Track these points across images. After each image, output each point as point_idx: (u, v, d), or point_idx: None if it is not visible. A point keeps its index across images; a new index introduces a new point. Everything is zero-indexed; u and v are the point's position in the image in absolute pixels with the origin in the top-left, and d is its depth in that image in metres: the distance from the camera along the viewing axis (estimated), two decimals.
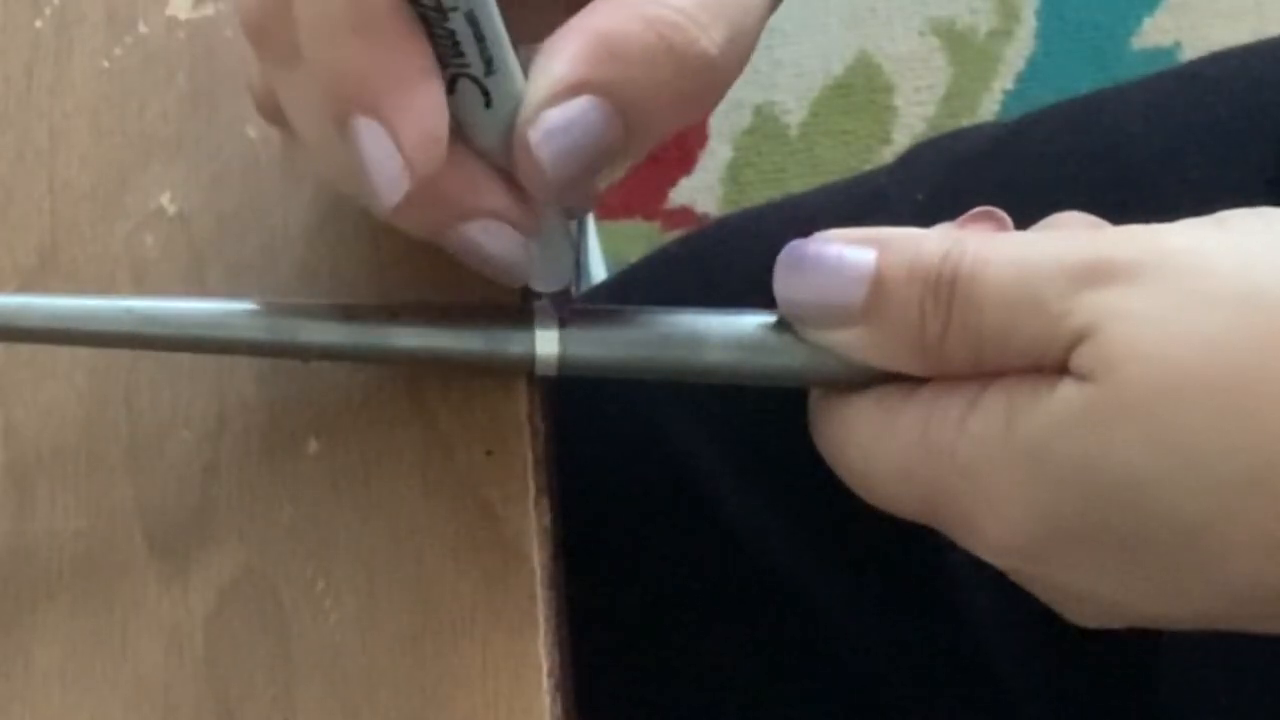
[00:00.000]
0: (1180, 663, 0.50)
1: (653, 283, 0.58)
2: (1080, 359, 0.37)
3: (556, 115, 0.38)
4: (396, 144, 0.37)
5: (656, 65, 0.37)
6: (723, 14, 0.38)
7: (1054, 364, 0.38)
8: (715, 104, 0.39)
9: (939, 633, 0.53)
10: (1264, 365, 0.36)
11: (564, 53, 0.38)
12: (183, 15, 0.47)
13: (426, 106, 0.37)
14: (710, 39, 0.38)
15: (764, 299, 0.41)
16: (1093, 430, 0.37)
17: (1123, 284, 0.37)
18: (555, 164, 0.38)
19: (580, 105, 0.38)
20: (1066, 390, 0.37)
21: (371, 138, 0.37)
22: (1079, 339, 0.37)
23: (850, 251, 0.40)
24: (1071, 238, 0.39)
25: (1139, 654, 0.50)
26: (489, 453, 0.43)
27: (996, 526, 0.39)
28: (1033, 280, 0.38)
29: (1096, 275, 0.37)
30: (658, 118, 0.38)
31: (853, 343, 0.40)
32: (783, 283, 0.40)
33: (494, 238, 0.40)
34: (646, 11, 0.37)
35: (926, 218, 0.46)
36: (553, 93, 0.38)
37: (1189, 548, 0.37)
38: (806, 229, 0.41)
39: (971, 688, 0.53)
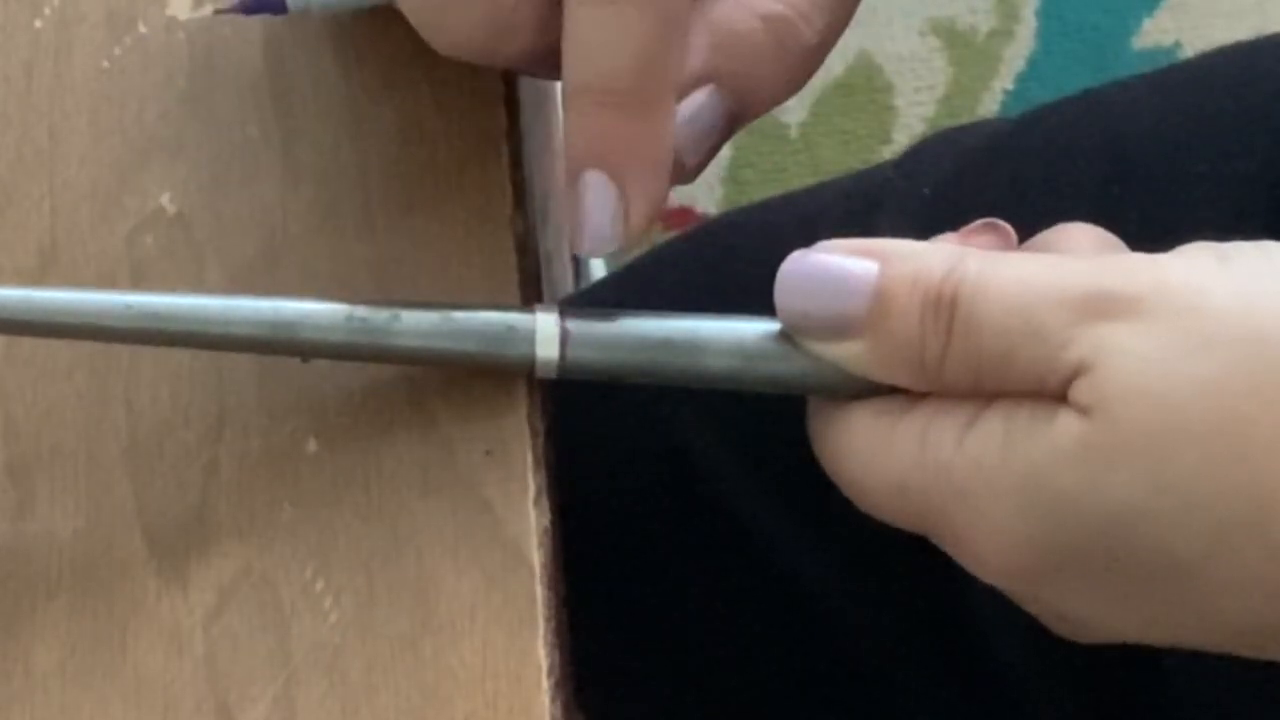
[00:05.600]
0: (1188, 656, 0.50)
1: (653, 279, 0.58)
2: (1079, 392, 0.37)
3: (684, 106, 0.41)
4: None
5: (766, 57, 0.42)
6: (825, 4, 0.42)
7: (1053, 392, 0.38)
8: (807, 82, 0.43)
9: (943, 624, 0.53)
10: (1260, 410, 0.36)
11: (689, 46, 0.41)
12: (183, 15, 0.47)
13: None
14: (813, 29, 0.42)
15: (766, 296, 0.41)
16: (1088, 466, 0.37)
17: (1123, 319, 0.37)
18: (686, 149, 0.42)
19: (702, 96, 0.41)
20: (1064, 422, 0.37)
21: None
22: (1078, 372, 0.37)
23: (852, 264, 0.40)
24: (1075, 265, 0.39)
25: (1145, 655, 0.50)
26: (489, 453, 0.43)
27: (989, 548, 0.39)
28: (1034, 308, 0.38)
29: (1098, 308, 0.37)
30: (762, 99, 0.42)
31: (852, 356, 0.40)
32: (783, 293, 0.40)
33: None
34: (759, 8, 0.41)
35: (933, 212, 0.46)
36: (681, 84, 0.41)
37: (1181, 586, 0.37)
38: (811, 224, 0.41)
39: (975, 679, 0.53)
